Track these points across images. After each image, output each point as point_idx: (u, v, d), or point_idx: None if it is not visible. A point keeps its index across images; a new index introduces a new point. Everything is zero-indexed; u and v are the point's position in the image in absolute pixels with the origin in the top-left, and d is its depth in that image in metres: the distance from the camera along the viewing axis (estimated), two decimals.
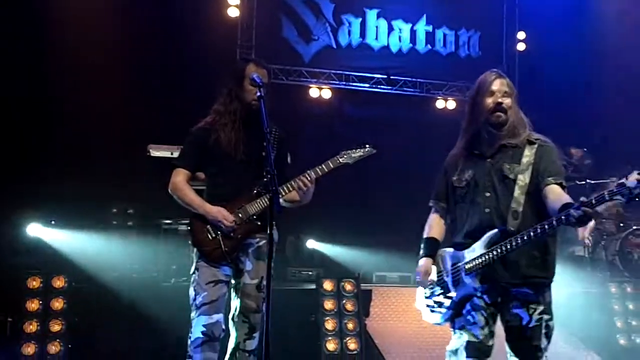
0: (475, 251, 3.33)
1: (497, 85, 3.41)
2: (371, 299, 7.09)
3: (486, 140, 3.43)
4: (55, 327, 5.80)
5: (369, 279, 7.98)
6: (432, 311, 3.55)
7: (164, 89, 8.24)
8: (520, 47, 10.54)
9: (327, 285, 6.63)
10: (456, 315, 3.45)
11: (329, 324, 6.42)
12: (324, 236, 9.03)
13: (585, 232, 5.66)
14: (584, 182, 8.78)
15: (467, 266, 3.35)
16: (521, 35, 10.54)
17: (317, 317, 6.47)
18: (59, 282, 5.97)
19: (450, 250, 3.51)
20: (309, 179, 3.88)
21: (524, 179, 3.34)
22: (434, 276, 3.54)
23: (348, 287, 6.66)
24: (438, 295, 3.51)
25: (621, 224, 8.72)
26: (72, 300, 5.96)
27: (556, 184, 3.32)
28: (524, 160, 3.37)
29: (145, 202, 7.55)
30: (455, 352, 3.44)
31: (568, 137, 9.34)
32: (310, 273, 8.11)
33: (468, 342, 3.37)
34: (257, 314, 3.89)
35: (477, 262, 3.31)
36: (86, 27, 8.10)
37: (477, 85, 3.47)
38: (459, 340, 3.42)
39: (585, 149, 9.18)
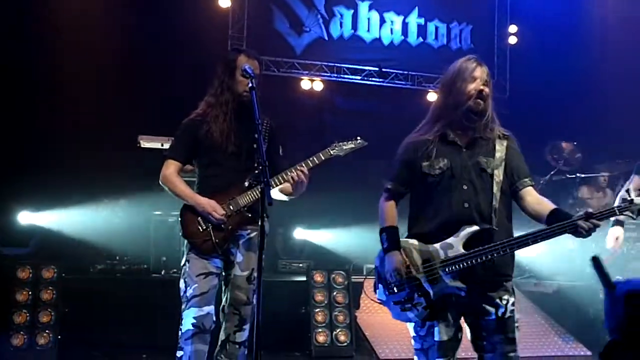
0: (455, 248, 3.17)
1: (479, 72, 3.30)
2: (362, 291, 7.10)
3: (464, 128, 3.31)
4: (45, 318, 5.78)
5: (359, 271, 8.00)
6: (403, 310, 3.29)
7: (155, 79, 8.20)
8: (512, 40, 10.55)
9: (318, 277, 6.65)
10: (432, 313, 3.25)
11: (320, 316, 6.44)
12: (315, 228, 9.04)
13: (616, 244, 5.52)
14: (574, 176, 8.83)
15: (446, 264, 3.17)
16: (512, 28, 10.55)
17: (308, 309, 6.49)
18: (48, 273, 5.95)
19: (415, 242, 3.30)
20: (301, 171, 3.86)
21: (499, 174, 3.28)
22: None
23: (339, 279, 6.68)
24: (410, 293, 3.27)
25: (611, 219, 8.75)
26: (61, 291, 5.95)
27: (531, 185, 3.35)
28: (497, 155, 3.30)
29: (135, 194, 7.52)
30: (425, 351, 3.30)
31: (558, 131, 9.39)
32: (300, 265, 8.13)
33: (440, 342, 3.23)
34: (247, 305, 3.89)
35: (459, 262, 3.15)
36: (76, 17, 8.05)
37: (457, 70, 3.34)
38: (429, 339, 3.27)
39: (575, 143, 9.21)
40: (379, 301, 3.44)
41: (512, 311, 3.25)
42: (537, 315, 7.40)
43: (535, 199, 3.31)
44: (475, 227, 3.19)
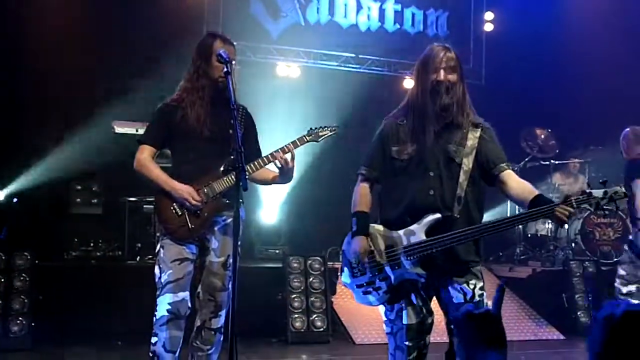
0: (416, 235, 3.21)
1: (444, 59, 3.28)
2: (338, 277, 7.13)
3: (432, 116, 3.29)
4: (18, 305, 5.73)
5: (336, 257, 8.02)
6: (365, 293, 3.36)
7: (129, 64, 8.10)
8: (488, 27, 10.57)
9: (294, 263, 6.66)
10: (393, 298, 3.30)
11: (296, 302, 6.46)
12: (291, 213, 9.03)
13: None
14: (548, 163, 8.93)
15: (407, 251, 3.21)
16: (489, 15, 10.57)
17: (284, 295, 6.50)
18: (21, 260, 5.89)
19: (381, 228, 3.34)
20: (281, 156, 3.84)
21: (468, 163, 3.29)
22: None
23: (315, 265, 6.70)
24: (372, 277, 3.32)
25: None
26: (35, 278, 5.90)
27: (508, 169, 3.37)
28: (469, 143, 3.30)
29: (109, 180, 7.45)
30: (394, 334, 3.35)
31: (533, 118, 9.47)
32: (277, 251, 8.12)
33: (408, 326, 3.27)
34: (223, 292, 3.88)
35: (420, 249, 3.19)
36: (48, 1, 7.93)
37: (424, 58, 3.35)
38: (398, 322, 3.32)
39: (549, 130, 9.30)
40: (343, 284, 3.52)
41: (480, 295, 3.29)
42: (511, 300, 7.49)
43: (516, 183, 3.33)
44: (437, 215, 3.22)
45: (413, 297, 3.29)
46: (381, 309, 3.43)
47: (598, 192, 3.09)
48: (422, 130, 3.30)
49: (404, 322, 3.29)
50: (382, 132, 3.43)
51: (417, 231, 3.22)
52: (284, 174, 3.92)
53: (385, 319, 3.42)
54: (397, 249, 3.26)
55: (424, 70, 3.32)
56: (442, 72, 3.28)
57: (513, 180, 3.34)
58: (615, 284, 6.40)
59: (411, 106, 3.37)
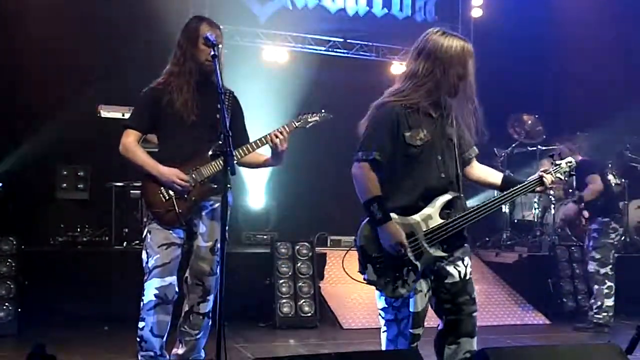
0: (434, 219, 3.17)
1: (472, 66, 3.27)
2: (326, 262, 7.15)
3: (436, 100, 3.26)
4: (4, 290, 5.71)
5: (323, 242, 8.04)
6: (395, 287, 3.16)
7: (115, 48, 8.03)
8: (476, 13, 10.56)
9: (282, 248, 6.66)
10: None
11: (284, 287, 6.47)
12: (279, 199, 9.03)
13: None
14: (535, 148, 8.96)
15: (429, 236, 3.16)
16: (477, 1, 10.55)
17: (272, 280, 6.51)
18: (6, 246, 5.85)
19: (396, 216, 3.16)
20: (283, 132, 3.84)
21: (456, 142, 3.33)
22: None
23: (303, 250, 6.71)
24: (399, 269, 3.16)
25: (570, 190, 8.93)
26: (21, 264, 5.86)
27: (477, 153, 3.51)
28: (454, 123, 3.33)
29: (96, 165, 7.41)
30: (399, 321, 3.27)
31: (520, 104, 9.49)
32: (265, 237, 8.13)
33: (416, 313, 3.20)
34: (211, 276, 3.88)
35: (441, 233, 3.16)
36: None
37: (454, 52, 3.24)
38: (404, 310, 3.23)
39: (536, 116, 9.33)
40: (365, 282, 3.25)
41: (470, 272, 3.31)
42: (498, 285, 7.54)
43: (481, 167, 3.53)
44: (448, 196, 3.22)
45: (421, 283, 3.22)
46: (378, 295, 3.32)
47: (562, 162, 3.51)
48: (428, 114, 3.26)
49: (412, 309, 3.21)
50: (390, 116, 3.23)
51: (433, 214, 3.19)
52: (276, 157, 3.92)
53: (387, 306, 3.30)
54: (419, 236, 3.18)
55: (449, 65, 3.21)
56: (469, 77, 3.25)
57: (478, 165, 3.52)
58: (590, 268, 6.60)
59: (418, 89, 3.24)
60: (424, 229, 3.18)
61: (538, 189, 3.40)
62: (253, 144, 3.89)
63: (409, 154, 3.21)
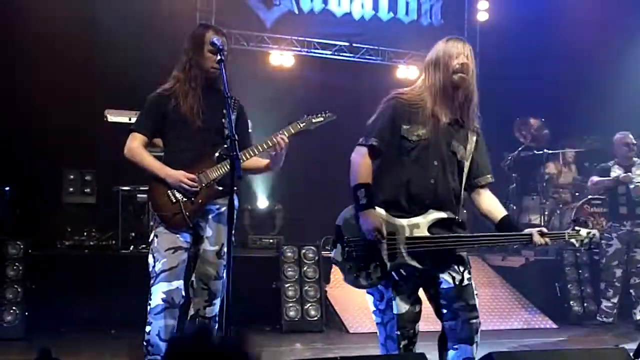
0: (420, 229, 3.20)
1: (462, 48, 3.36)
2: (332, 266, 7.13)
3: (448, 105, 3.29)
4: (11, 294, 5.72)
5: (330, 246, 8.02)
6: (358, 275, 3.22)
7: (122, 53, 8.05)
8: (482, 16, 10.55)
9: (288, 252, 6.66)
10: (383, 283, 3.25)
11: (290, 291, 6.48)
12: (285, 203, 9.02)
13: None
14: (541, 152, 8.93)
15: (410, 243, 3.19)
16: (483, 5, 10.55)
17: (278, 284, 6.51)
18: (14, 250, 5.87)
19: (383, 213, 3.22)
20: (283, 138, 3.83)
21: (467, 166, 3.34)
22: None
23: (309, 254, 6.70)
24: (368, 260, 3.22)
25: (577, 193, 8.91)
26: (28, 268, 5.88)
27: (490, 182, 3.48)
28: (468, 147, 3.34)
29: (102, 169, 7.42)
30: (385, 324, 3.32)
31: (527, 108, 9.47)
32: (270, 241, 8.12)
33: (399, 315, 3.24)
34: (217, 280, 3.88)
35: (423, 245, 3.19)
36: None
37: (443, 49, 3.37)
38: (388, 312, 3.28)
39: (543, 119, 9.31)
40: (332, 261, 3.37)
41: (469, 279, 3.31)
42: (504, 289, 7.52)
43: (490, 198, 3.47)
44: (443, 214, 3.23)
45: (403, 285, 3.25)
46: (369, 298, 3.38)
47: (583, 232, 3.37)
48: (436, 116, 3.28)
49: (395, 311, 3.26)
50: (394, 108, 3.31)
51: (422, 225, 3.21)
52: (275, 161, 3.92)
53: (375, 308, 3.38)
54: (399, 238, 3.21)
55: (445, 61, 3.30)
56: (462, 56, 3.30)
57: (488, 194, 3.47)
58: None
59: (427, 93, 3.32)
60: (407, 234, 3.21)
61: (527, 243, 3.38)
62: (257, 147, 3.88)
63: (402, 147, 3.27)
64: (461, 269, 3.29)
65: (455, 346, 3.27)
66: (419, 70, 3.31)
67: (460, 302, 3.26)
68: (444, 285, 3.27)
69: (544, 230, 3.36)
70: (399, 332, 3.26)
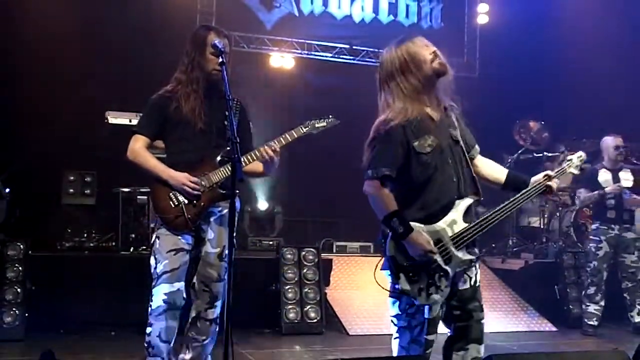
0: (458, 224, 3.18)
1: (423, 40, 3.42)
2: (332, 268, 7.15)
3: (434, 102, 3.28)
4: (10, 295, 5.72)
5: (329, 248, 8.04)
6: (429, 293, 3.14)
7: (124, 55, 8.07)
8: (482, 19, 10.57)
9: (288, 254, 6.67)
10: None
11: (290, 293, 6.47)
12: (285, 205, 9.04)
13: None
14: (541, 155, 8.95)
15: (457, 241, 3.18)
16: (483, 7, 10.57)
17: (278, 286, 6.51)
18: (14, 251, 5.87)
19: (421, 225, 3.16)
20: (272, 149, 3.85)
21: (463, 145, 3.35)
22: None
23: (309, 256, 6.71)
24: (431, 276, 3.15)
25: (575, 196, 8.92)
26: (28, 269, 5.88)
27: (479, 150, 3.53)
28: (457, 125, 3.36)
29: (103, 170, 7.43)
30: (412, 328, 3.25)
31: (526, 110, 9.48)
32: (270, 243, 8.13)
33: (431, 319, 3.21)
34: (218, 282, 3.88)
35: (467, 236, 3.18)
36: None
37: (407, 51, 3.39)
38: (419, 316, 3.23)
39: (542, 122, 9.32)
40: (404, 293, 3.20)
41: (479, 280, 3.33)
42: (504, 292, 7.52)
43: (486, 163, 3.52)
44: (470, 200, 3.25)
45: (444, 289, 3.20)
46: (394, 303, 3.30)
47: (574, 157, 3.60)
48: (431, 119, 3.27)
49: (427, 315, 3.21)
50: (397, 129, 3.20)
51: (457, 218, 3.20)
52: (268, 166, 3.92)
53: (401, 312, 3.29)
54: (446, 242, 3.18)
55: (415, 63, 3.30)
56: (430, 47, 3.33)
57: (482, 161, 3.51)
58: None
59: (412, 99, 3.26)
60: (450, 234, 3.19)
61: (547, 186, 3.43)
62: (259, 150, 3.89)
63: (422, 162, 3.20)
64: (475, 268, 3.30)
65: (466, 347, 3.25)
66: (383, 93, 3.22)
67: (474, 303, 3.27)
68: (461, 286, 3.25)
69: (550, 173, 3.46)
70: (429, 337, 3.22)
